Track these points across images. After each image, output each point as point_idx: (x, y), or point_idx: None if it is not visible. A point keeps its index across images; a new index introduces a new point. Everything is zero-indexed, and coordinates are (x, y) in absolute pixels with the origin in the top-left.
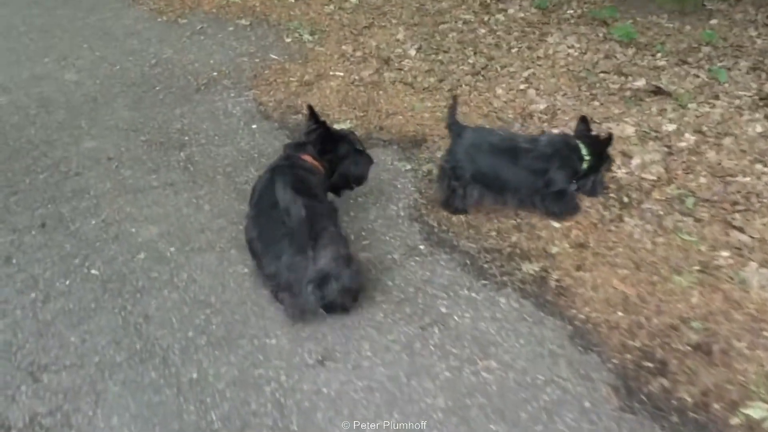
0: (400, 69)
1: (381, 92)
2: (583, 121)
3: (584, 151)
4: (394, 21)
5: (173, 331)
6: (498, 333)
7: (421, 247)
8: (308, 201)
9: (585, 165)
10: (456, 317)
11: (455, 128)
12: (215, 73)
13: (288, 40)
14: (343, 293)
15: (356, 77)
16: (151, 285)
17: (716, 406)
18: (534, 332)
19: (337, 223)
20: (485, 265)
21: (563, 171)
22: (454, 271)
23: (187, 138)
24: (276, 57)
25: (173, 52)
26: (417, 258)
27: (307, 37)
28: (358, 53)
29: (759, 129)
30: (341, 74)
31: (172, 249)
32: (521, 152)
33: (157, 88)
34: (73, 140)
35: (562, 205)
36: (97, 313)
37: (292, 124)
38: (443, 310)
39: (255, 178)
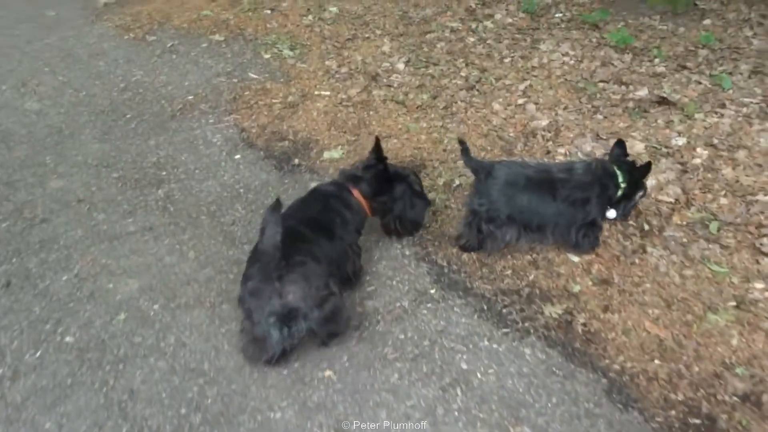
0: (390, 85)
1: (372, 112)
2: (620, 145)
3: (621, 178)
4: (378, 32)
5: (163, 409)
6: (527, 391)
7: (432, 291)
8: (310, 234)
9: (620, 192)
10: (479, 374)
11: (482, 167)
12: (191, 97)
13: (267, 56)
14: (312, 335)
15: (344, 96)
16: (135, 352)
17: None
18: (566, 388)
19: (325, 262)
20: (504, 310)
21: (601, 200)
22: (470, 318)
23: (164, 173)
24: (255, 76)
25: (143, 74)
26: (429, 305)
27: (287, 52)
28: (344, 69)
29: None
30: (327, 93)
31: (156, 307)
32: (558, 183)
33: (128, 116)
34: (38, 180)
35: (592, 237)
36: (74, 391)
37: (278, 152)
38: (464, 366)
39: (242, 217)
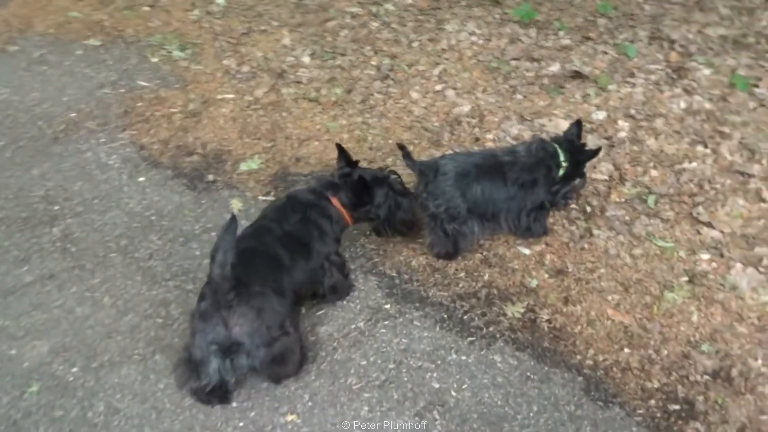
0: (299, 82)
1: (285, 114)
2: (578, 125)
3: (562, 156)
4: (274, 23)
5: None
6: (506, 403)
7: (387, 306)
8: (284, 256)
9: (561, 172)
10: (453, 392)
11: (427, 166)
12: (73, 114)
13: (155, 59)
14: (256, 373)
15: (250, 98)
16: (58, 429)
17: None
18: (544, 393)
19: (291, 293)
20: (465, 317)
21: (547, 180)
22: (432, 331)
23: (57, 207)
24: (146, 84)
25: (11, 92)
26: (386, 322)
27: (177, 53)
28: (245, 68)
29: (683, 105)
30: (231, 96)
31: (75, 370)
32: (506, 167)
33: (2, 144)
34: None
35: (543, 221)
36: None
37: (188, 169)
38: (436, 385)
39: (160, 249)
